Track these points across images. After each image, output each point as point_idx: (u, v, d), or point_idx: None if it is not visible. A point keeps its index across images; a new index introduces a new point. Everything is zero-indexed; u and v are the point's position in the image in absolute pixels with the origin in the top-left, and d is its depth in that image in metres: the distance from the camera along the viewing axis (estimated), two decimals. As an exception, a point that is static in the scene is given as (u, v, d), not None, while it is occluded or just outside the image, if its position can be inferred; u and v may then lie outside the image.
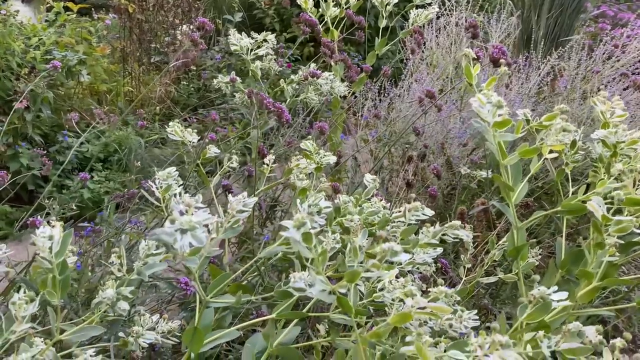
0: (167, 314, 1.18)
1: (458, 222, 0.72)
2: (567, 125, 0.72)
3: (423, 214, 0.76)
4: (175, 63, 2.61)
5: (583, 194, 0.92)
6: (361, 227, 0.70)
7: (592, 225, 0.70)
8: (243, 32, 1.99)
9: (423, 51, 3.03)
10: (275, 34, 1.95)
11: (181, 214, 0.49)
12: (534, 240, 1.35)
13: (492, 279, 1.06)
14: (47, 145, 2.87)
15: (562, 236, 1.02)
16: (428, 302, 0.62)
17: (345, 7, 2.25)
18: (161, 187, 0.76)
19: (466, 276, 1.19)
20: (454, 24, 2.75)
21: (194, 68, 4.20)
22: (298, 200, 0.59)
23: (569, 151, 1.04)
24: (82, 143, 2.91)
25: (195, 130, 1.06)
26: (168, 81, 3.30)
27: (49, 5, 3.58)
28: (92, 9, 4.07)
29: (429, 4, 2.11)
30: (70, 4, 3.49)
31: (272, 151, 1.80)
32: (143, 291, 1.18)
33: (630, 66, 2.47)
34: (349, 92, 2.18)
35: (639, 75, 2.45)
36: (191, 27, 3.48)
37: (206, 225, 0.52)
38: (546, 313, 0.56)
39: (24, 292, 0.55)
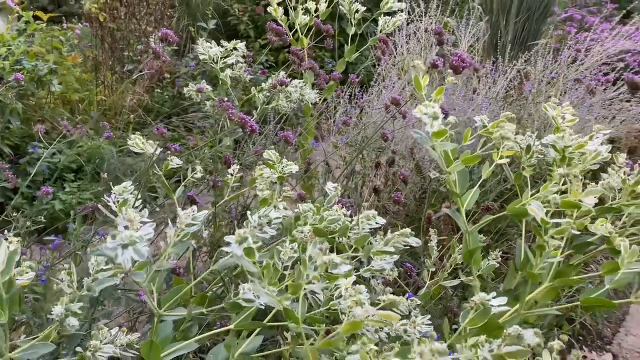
0: (139, 324, 1.18)
1: (408, 230, 0.73)
2: (505, 133, 0.74)
3: (376, 223, 0.78)
4: (141, 74, 2.60)
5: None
6: (312, 237, 0.71)
7: (533, 228, 0.72)
8: (218, 39, 2.00)
9: (395, 56, 3.06)
10: (250, 41, 1.97)
11: (126, 228, 0.50)
12: (497, 242, 1.38)
13: (454, 282, 1.08)
14: (18, 157, 2.83)
15: (521, 238, 1.05)
16: (378, 309, 0.63)
17: (315, 15, 2.27)
18: (117, 201, 0.77)
19: (431, 279, 1.21)
20: (423, 30, 2.79)
21: (168, 76, 4.19)
22: (249, 212, 0.60)
23: (525, 156, 1.07)
24: (53, 153, 2.88)
25: (158, 142, 1.07)
26: (140, 90, 3.27)
27: (18, 14, 3.54)
28: (64, 17, 4.02)
29: (398, 11, 2.14)
30: (40, 13, 3.45)
31: (240, 160, 1.81)
32: (110, 303, 1.17)
33: (594, 69, 2.54)
34: (320, 99, 2.20)
35: (604, 76, 2.52)
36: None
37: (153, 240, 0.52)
38: (485, 318, 0.58)
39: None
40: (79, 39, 3.53)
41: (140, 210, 0.75)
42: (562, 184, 0.80)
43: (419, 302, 0.97)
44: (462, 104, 2.13)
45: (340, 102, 2.55)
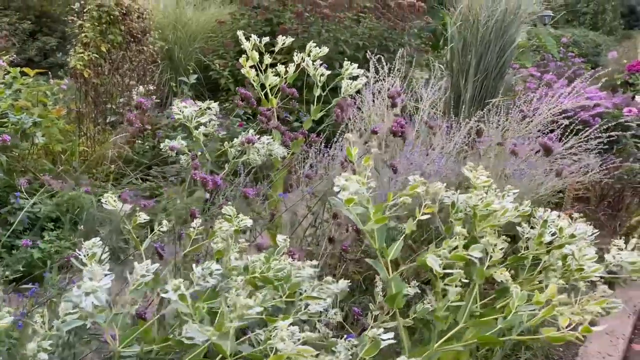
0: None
1: (330, 278, 0.88)
2: (406, 199, 0.89)
3: (306, 273, 0.92)
4: (121, 126, 2.76)
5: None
6: (244, 285, 0.85)
7: (430, 277, 0.87)
8: (200, 92, 2.17)
9: (362, 112, 3.28)
10: (230, 94, 2.13)
11: (90, 279, 0.64)
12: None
13: (391, 324, 1.21)
14: (-1, 206, 2.93)
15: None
16: (297, 345, 0.77)
17: (284, 76, 2.48)
18: (87, 254, 0.90)
19: (375, 322, 1.35)
20: (386, 89, 3.01)
21: (149, 127, 4.35)
22: (193, 265, 0.74)
23: (452, 210, 1.24)
24: (34, 203, 2.99)
25: (126, 200, 1.21)
26: (121, 142, 3.42)
27: (6, 70, 3.71)
28: (49, 71, 4.21)
29: (358, 76, 2.34)
30: (27, 69, 3.62)
31: (207, 212, 1.95)
32: (80, 346, 1.28)
33: (542, 126, 2.76)
34: (289, 153, 2.36)
35: (550, 133, 2.74)
36: (140, 91, 3.65)
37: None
38: (376, 349, 0.72)
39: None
40: (64, 93, 3.70)
41: (107, 262, 0.89)
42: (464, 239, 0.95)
43: (355, 342, 1.11)
44: (418, 159, 2.31)
45: (309, 155, 2.73)
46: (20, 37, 7.34)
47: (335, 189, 0.87)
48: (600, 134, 2.83)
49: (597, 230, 1.24)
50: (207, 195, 2.20)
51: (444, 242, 0.97)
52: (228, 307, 0.67)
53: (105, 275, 0.64)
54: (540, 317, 0.84)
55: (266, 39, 2.34)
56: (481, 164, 2.43)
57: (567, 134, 2.84)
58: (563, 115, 2.80)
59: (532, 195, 2.41)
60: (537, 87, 4.28)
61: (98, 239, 0.91)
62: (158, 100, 4.74)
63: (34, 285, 1.60)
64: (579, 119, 3.21)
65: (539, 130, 2.66)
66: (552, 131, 2.69)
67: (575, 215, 1.36)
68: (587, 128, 2.89)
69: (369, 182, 1.01)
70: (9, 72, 3.66)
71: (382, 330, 0.75)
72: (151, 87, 4.30)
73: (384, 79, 3.16)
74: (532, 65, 7.33)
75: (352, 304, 1.67)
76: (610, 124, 3.03)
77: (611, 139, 2.78)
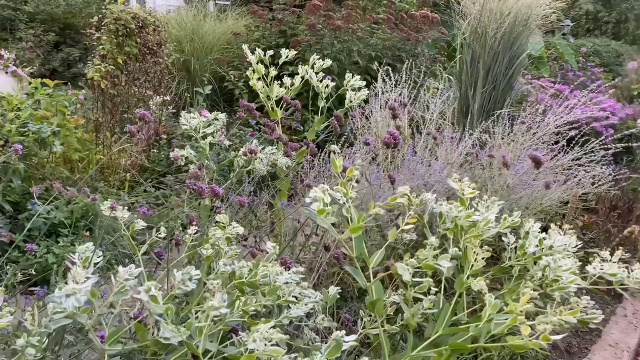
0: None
1: (305, 284, 0.92)
2: (379, 210, 0.93)
3: (284, 278, 0.97)
4: (125, 144, 2.85)
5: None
6: (219, 289, 0.90)
7: (400, 283, 0.90)
8: (215, 102, 2.23)
9: (370, 122, 3.32)
10: None
11: (74, 282, 0.70)
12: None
13: (374, 331, 1.25)
14: (17, 213, 3.04)
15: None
16: (269, 346, 0.81)
17: (290, 87, 2.53)
18: (81, 258, 0.96)
19: (363, 328, 1.38)
20: (393, 100, 3.04)
21: (165, 136, 4.46)
22: (175, 270, 0.79)
23: (439, 220, 1.27)
24: (50, 210, 3.09)
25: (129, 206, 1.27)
26: (135, 152, 3.52)
27: (28, 81, 3.86)
28: (69, 82, 4.35)
29: (361, 87, 2.38)
30: (47, 80, 3.76)
31: (211, 220, 2.00)
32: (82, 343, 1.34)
33: (548, 137, 2.76)
34: (294, 162, 2.42)
35: (555, 144, 2.74)
36: (156, 101, 3.75)
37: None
38: (338, 351, 0.76)
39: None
40: (82, 103, 3.82)
41: (100, 266, 0.95)
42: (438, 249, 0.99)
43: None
44: (420, 170, 2.34)
45: (315, 164, 2.78)
46: (45, 48, 7.59)
47: (307, 200, 0.91)
48: (609, 145, 2.83)
49: (581, 242, 1.25)
50: (219, 204, 2.27)
51: (419, 251, 1.00)
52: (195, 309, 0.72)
53: (88, 278, 0.69)
54: (507, 326, 0.87)
55: (270, 52, 2.40)
56: (483, 175, 2.45)
57: (574, 145, 2.84)
58: (570, 126, 2.80)
59: (535, 207, 2.42)
60: (550, 98, 4.27)
61: (91, 244, 0.96)
62: (174, 110, 4.86)
63: (42, 288, 1.67)
64: (591, 129, 3.20)
65: (543, 142, 2.66)
66: (556, 142, 2.69)
67: (566, 226, 1.38)
68: (595, 139, 2.88)
69: (353, 191, 1.05)
70: (30, 83, 3.80)
71: (342, 332, 0.78)
72: (167, 98, 4.41)
73: (391, 90, 3.20)
74: (549, 76, 7.30)
75: (347, 311, 1.71)
76: (620, 135, 3.02)
77: (618, 150, 2.77)
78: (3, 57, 3.75)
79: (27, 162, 3.18)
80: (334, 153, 1.08)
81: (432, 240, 0.96)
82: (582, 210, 3.12)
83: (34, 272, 2.27)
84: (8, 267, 2.02)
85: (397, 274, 0.96)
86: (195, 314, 0.92)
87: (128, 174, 3.79)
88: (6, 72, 5.43)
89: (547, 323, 0.84)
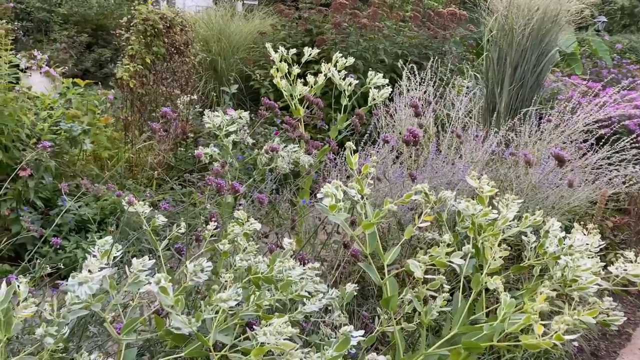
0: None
1: (317, 279, 0.92)
2: (392, 207, 0.93)
3: (296, 273, 0.97)
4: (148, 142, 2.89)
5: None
6: (231, 284, 0.90)
7: (407, 286, 0.90)
8: (242, 101, 2.25)
9: (394, 120, 3.30)
10: None
11: (89, 271, 0.72)
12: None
13: (390, 329, 1.24)
14: (48, 209, 3.13)
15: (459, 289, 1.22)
16: (281, 340, 0.82)
17: (313, 85, 2.54)
18: (100, 251, 0.98)
19: (380, 325, 1.38)
20: (417, 98, 3.02)
21: (192, 135, 4.53)
22: (187, 262, 0.80)
23: (458, 218, 1.26)
24: (80, 206, 3.18)
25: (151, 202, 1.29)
26: (162, 150, 3.58)
27: (59, 81, 3.97)
28: (100, 82, 4.45)
29: (384, 86, 2.37)
30: (78, 80, 3.86)
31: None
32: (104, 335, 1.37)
33: (574, 134, 2.70)
34: (316, 160, 2.42)
35: (584, 142, 2.67)
36: (184, 100, 3.81)
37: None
38: (347, 346, 0.76)
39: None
40: (112, 103, 3.91)
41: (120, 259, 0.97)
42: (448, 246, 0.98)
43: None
44: (444, 168, 2.32)
45: (337, 162, 2.78)
46: (78, 49, 7.78)
47: (319, 195, 0.91)
48: (640, 144, 2.75)
49: (603, 243, 1.22)
50: (242, 200, 2.29)
51: (432, 248, 0.99)
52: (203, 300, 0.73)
53: (102, 268, 0.71)
54: (520, 325, 0.85)
55: (293, 51, 2.41)
56: (509, 174, 2.41)
57: (604, 143, 2.77)
58: (601, 124, 2.73)
59: (562, 206, 2.36)
60: (581, 95, 4.17)
61: (110, 237, 0.99)
62: (201, 109, 4.93)
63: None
64: (623, 127, 3.12)
65: (572, 141, 2.60)
66: (585, 141, 2.62)
67: (590, 226, 1.35)
68: (627, 137, 2.80)
69: (367, 188, 1.05)
70: (62, 83, 3.91)
71: (351, 326, 0.78)
72: (194, 97, 4.47)
73: (415, 88, 3.17)
74: (582, 73, 7.12)
75: (367, 309, 1.70)
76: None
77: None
78: (36, 57, 3.87)
79: (58, 160, 3.27)
80: (350, 150, 1.08)
81: (446, 237, 0.95)
82: (613, 210, 3.04)
83: (62, 266, 2.34)
84: (38, 260, 2.09)
85: (410, 271, 0.96)
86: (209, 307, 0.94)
87: (155, 172, 3.86)
88: (40, 73, 5.60)
89: (562, 323, 0.82)
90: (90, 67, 7.75)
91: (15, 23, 7.21)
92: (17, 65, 4.00)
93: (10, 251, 2.95)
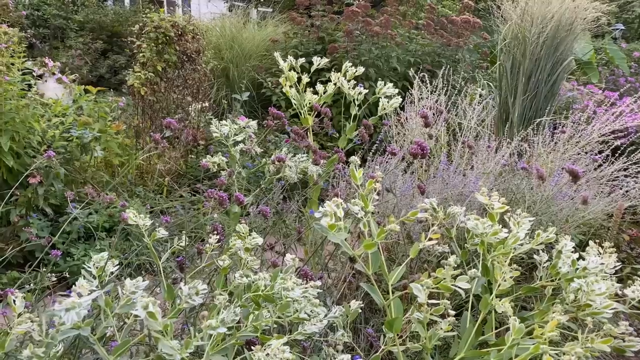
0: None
1: (317, 301, 0.88)
2: (394, 227, 0.89)
3: (295, 294, 0.94)
4: (155, 149, 2.88)
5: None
6: (225, 305, 0.87)
7: (414, 304, 0.86)
8: (253, 108, 2.22)
9: (405, 129, 3.26)
10: (281, 110, 2.20)
11: (78, 295, 0.69)
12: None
13: (395, 349, 1.20)
14: (57, 216, 3.13)
15: (467, 310, 1.17)
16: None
17: (322, 94, 2.51)
18: (96, 267, 0.96)
19: (385, 345, 1.33)
20: (428, 107, 2.98)
21: (203, 142, 4.53)
22: (182, 284, 0.77)
23: (467, 235, 1.21)
24: (89, 213, 3.17)
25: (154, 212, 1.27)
26: (170, 158, 3.58)
27: (71, 88, 3.99)
28: (112, 89, 4.47)
29: (394, 95, 2.33)
30: (90, 87, 3.87)
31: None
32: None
33: (589, 145, 2.64)
34: (324, 170, 2.39)
35: (599, 154, 2.61)
36: (195, 108, 3.80)
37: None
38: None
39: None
40: (123, 110, 3.92)
41: (114, 275, 0.94)
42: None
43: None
44: (455, 180, 2.27)
45: (345, 172, 2.74)
46: (93, 55, 7.86)
47: (317, 214, 0.88)
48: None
49: (619, 263, 1.17)
50: (251, 209, 2.27)
51: (437, 270, 0.95)
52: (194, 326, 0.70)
53: (92, 291, 0.68)
54: (529, 354, 0.80)
55: (302, 60, 2.39)
56: (521, 186, 2.35)
57: (620, 154, 2.70)
58: (617, 134, 2.66)
59: (576, 219, 2.30)
60: (597, 105, 4.09)
61: (106, 253, 0.96)
62: (212, 117, 4.93)
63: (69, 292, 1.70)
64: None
65: (587, 152, 2.54)
66: (601, 152, 2.56)
67: (606, 244, 1.30)
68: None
69: (372, 205, 1.01)
70: (74, 89, 3.93)
71: (348, 357, 0.75)
72: (205, 104, 4.47)
73: (427, 97, 3.13)
74: (598, 81, 7.01)
75: (373, 324, 1.66)
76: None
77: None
78: (48, 65, 3.89)
79: (68, 167, 3.28)
80: (355, 165, 1.05)
81: (451, 260, 0.91)
82: (630, 223, 2.96)
83: (67, 275, 2.33)
84: (43, 269, 2.08)
85: (413, 294, 0.92)
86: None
87: (166, 179, 3.86)
88: (55, 79, 5.65)
89: (573, 354, 0.77)
90: (104, 74, 7.82)
91: (31, 30, 7.30)
92: (31, 72, 4.03)
93: (19, 258, 2.96)
